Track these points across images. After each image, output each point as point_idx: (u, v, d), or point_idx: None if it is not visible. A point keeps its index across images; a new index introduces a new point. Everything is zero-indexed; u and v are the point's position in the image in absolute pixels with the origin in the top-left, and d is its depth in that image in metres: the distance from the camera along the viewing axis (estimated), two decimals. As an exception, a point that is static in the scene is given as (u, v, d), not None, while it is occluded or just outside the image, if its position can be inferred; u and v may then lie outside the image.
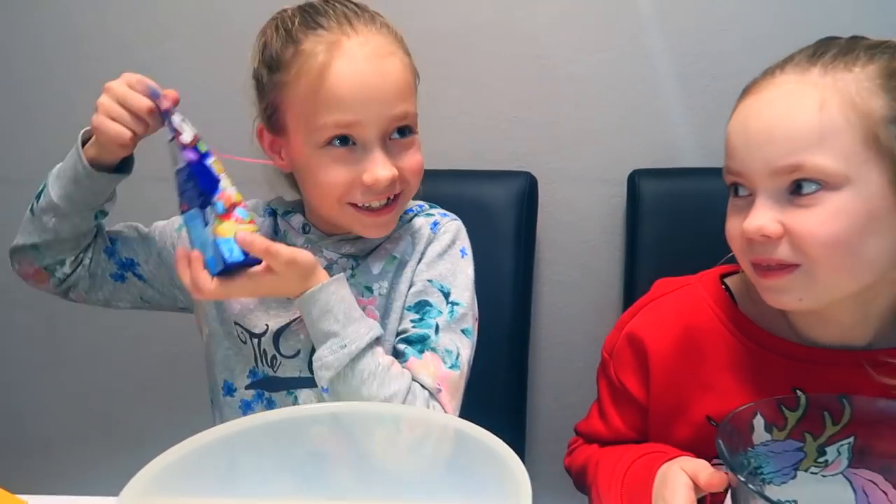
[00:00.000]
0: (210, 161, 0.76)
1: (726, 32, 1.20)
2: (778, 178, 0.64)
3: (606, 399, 0.81)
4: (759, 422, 0.63)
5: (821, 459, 0.64)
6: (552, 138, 1.28)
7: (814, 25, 0.78)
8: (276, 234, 0.92)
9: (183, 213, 0.78)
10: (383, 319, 0.86)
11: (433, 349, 0.83)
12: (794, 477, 0.63)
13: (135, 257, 0.91)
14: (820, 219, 0.62)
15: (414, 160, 0.83)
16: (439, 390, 0.81)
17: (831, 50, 0.65)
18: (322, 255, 0.88)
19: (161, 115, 0.77)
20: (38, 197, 0.85)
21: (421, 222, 0.91)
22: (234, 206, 0.76)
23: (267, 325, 0.87)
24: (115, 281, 0.91)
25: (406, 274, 0.87)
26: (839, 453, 0.64)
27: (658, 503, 0.60)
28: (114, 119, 0.77)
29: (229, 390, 0.88)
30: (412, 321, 0.85)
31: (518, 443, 1.23)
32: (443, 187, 1.04)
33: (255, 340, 0.87)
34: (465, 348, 0.85)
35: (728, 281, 0.78)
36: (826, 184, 0.62)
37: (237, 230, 0.74)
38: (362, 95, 0.77)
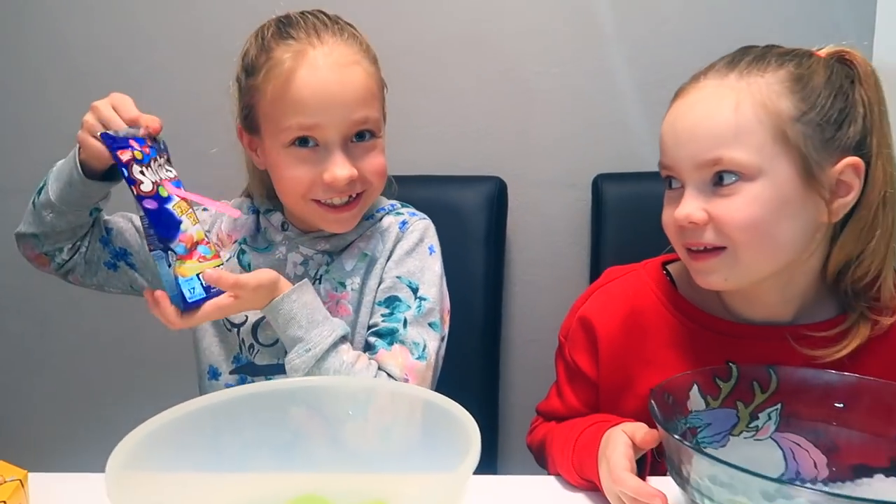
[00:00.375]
0: (172, 204, 0.79)
1: (681, 47, 1.28)
2: (702, 170, 0.71)
3: (563, 379, 0.88)
4: (695, 392, 0.70)
5: (752, 425, 0.71)
6: (520, 145, 1.35)
7: (759, 38, 0.86)
8: (257, 231, 0.97)
9: (151, 251, 0.80)
10: (355, 313, 0.92)
11: (401, 342, 0.88)
12: (726, 444, 0.70)
13: (127, 248, 0.95)
14: (738, 205, 0.70)
15: (374, 162, 0.88)
16: (406, 379, 0.87)
17: (747, 57, 0.73)
18: (298, 250, 0.93)
19: (120, 167, 0.78)
20: (39, 192, 0.90)
21: (390, 221, 0.96)
22: (195, 245, 0.79)
23: (246, 315, 0.93)
24: (108, 269, 0.95)
25: (376, 270, 0.93)
26: (769, 418, 0.71)
27: (602, 462, 0.67)
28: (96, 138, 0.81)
29: (214, 374, 0.94)
30: (382, 315, 0.91)
31: (490, 434, 1.29)
32: (417, 192, 1.10)
33: (236, 329, 0.93)
34: (432, 340, 0.90)
35: (669, 267, 0.85)
36: (743, 175, 0.70)
37: (199, 269, 0.79)
38: (323, 100, 0.83)
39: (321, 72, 0.83)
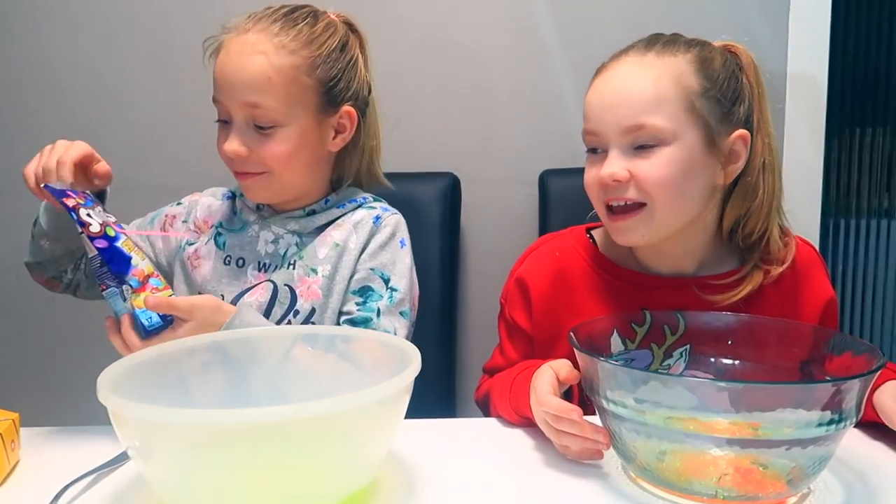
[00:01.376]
0: (120, 242, 0.82)
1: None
2: (626, 135, 0.82)
3: (504, 336, 0.97)
4: (615, 337, 0.81)
5: (665, 363, 0.81)
6: (473, 145, 1.47)
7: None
8: (234, 214, 1.05)
9: (102, 291, 0.83)
10: (325, 298, 0.98)
11: (374, 329, 0.96)
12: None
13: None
14: (656, 165, 0.81)
15: (268, 149, 0.93)
16: None
17: (661, 40, 0.86)
18: (270, 229, 1.01)
19: (68, 211, 0.81)
20: (35, 223, 0.97)
21: (363, 214, 1.02)
22: (147, 277, 0.83)
23: (222, 295, 0.99)
24: None
25: (346, 260, 0.99)
26: (680, 356, 0.81)
27: (532, 394, 0.76)
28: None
29: None
30: (356, 304, 0.98)
31: (448, 411, 1.37)
32: (378, 186, 1.20)
33: None
34: (401, 328, 0.98)
35: (593, 232, 0.96)
36: (660, 140, 0.81)
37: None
38: (223, 82, 0.94)
39: (230, 57, 0.93)
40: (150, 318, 0.81)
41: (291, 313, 0.97)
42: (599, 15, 1.43)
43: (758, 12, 1.45)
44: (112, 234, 0.82)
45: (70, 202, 0.81)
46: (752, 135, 0.85)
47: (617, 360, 0.79)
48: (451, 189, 1.38)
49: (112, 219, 0.85)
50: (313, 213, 1.01)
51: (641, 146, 0.82)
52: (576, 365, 0.75)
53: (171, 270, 1.06)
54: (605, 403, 0.65)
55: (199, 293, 1.01)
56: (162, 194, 1.53)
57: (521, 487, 0.68)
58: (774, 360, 0.77)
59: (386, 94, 1.45)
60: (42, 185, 0.84)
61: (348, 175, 1.06)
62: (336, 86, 0.97)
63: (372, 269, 0.99)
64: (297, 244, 1.00)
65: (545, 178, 1.40)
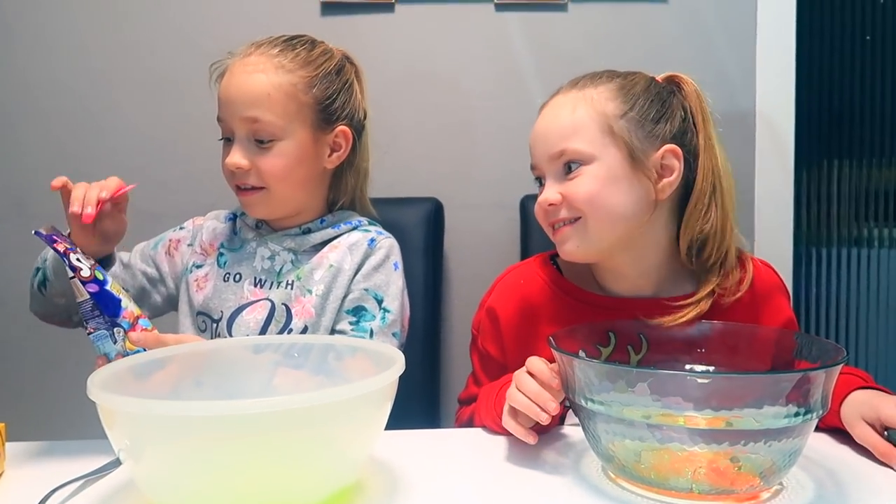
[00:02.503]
0: (109, 286, 0.83)
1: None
2: (553, 161, 0.89)
3: (478, 367, 1.01)
4: (582, 356, 0.83)
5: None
6: (455, 171, 1.51)
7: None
8: (234, 234, 1.08)
9: (90, 334, 0.83)
10: (318, 316, 1.00)
11: None
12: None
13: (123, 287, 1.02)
14: (581, 184, 0.88)
15: (268, 162, 0.98)
16: None
17: (587, 77, 0.93)
18: (267, 245, 1.04)
19: (60, 256, 0.83)
20: (42, 282, 1.00)
21: (359, 237, 1.05)
22: (136, 319, 0.84)
23: (222, 311, 1.02)
24: None
25: (340, 280, 1.02)
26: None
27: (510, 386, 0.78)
28: None
29: None
30: (350, 323, 1.01)
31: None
32: (363, 212, 1.23)
33: (214, 325, 1.02)
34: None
35: (557, 259, 1.00)
36: (582, 161, 0.88)
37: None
38: (226, 100, 0.99)
39: (232, 76, 0.99)
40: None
41: (286, 331, 1.00)
42: (575, 50, 1.50)
43: (727, 49, 1.53)
44: (101, 277, 0.83)
45: (60, 247, 0.83)
46: (694, 158, 0.90)
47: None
48: (434, 214, 1.41)
49: (92, 262, 0.85)
50: (308, 231, 1.05)
51: (568, 170, 0.88)
52: None
53: (177, 293, 1.08)
54: (583, 402, 0.67)
55: (199, 314, 1.04)
56: (146, 220, 1.54)
57: (503, 491, 0.70)
58: (746, 365, 0.80)
59: (372, 122, 1.50)
60: (33, 232, 0.84)
61: (344, 195, 1.10)
62: (331, 105, 1.02)
63: (366, 290, 1.02)
64: (292, 261, 1.03)
65: (526, 203, 1.44)
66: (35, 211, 1.55)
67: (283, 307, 1.00)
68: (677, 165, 0.89)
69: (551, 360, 0.78)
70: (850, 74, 1.79)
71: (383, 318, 1.01)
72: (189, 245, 1.09)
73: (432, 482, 0.71)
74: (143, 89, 1.54)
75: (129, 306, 0.84)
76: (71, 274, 0.82)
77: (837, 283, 1.85)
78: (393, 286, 1.03)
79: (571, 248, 0.90)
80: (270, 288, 1.02)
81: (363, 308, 1.01)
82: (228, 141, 1.00)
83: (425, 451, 0.80)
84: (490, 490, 0.70)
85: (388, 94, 1.49)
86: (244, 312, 1.01)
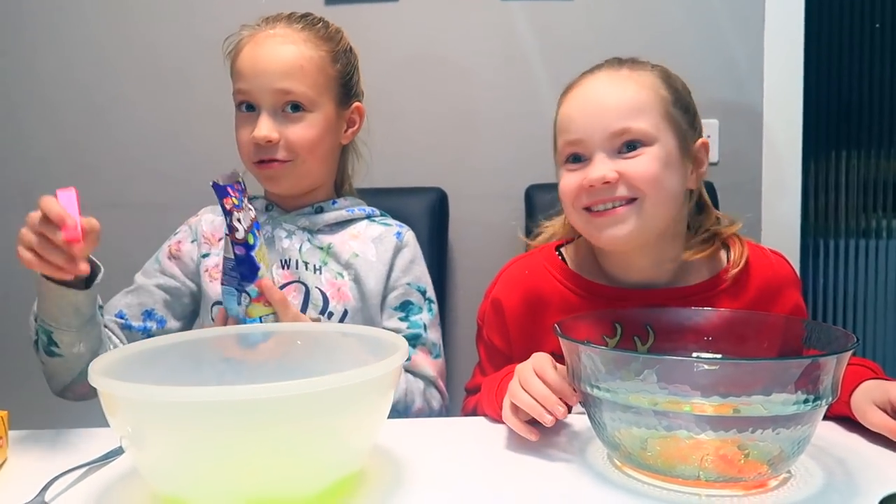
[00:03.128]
0: (255, 251, 0.86)
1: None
2: (612, 139, 0.86)
3: (484, 359, 1.00)
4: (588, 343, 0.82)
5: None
6: (460, 160, 1.50)
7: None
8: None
9: (221, 285, 0.88)
10: (359, 304, 1.01)
11: (423, 344, 1.02)
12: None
13: (146, 322, 1.03)
14: (644, 163, 0.85)
15: (299, 132, 0.97)
16: (436, 378, 1.01)
17: (628, 60, 0.91)
18: (282, 227, 1.04)
19: (223, 212, 0.85)
20: (35, 343, 0.90)
21: (381, 230, 1.06)
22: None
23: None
24: (146, 335, 1.01)
25: (374, 273, 1.02)
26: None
27: (513, 378, 0.78)
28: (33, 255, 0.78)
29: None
30: (400, 319, 1.03)
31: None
32: (369, 201, 1.22)
33: None
34: (439, 339, 1.05)
35: (562, 249, 0.99)
36: (643, 142, 0.86)
37: (264, 312, 0.86)
38: (253, 69, 0.97)
39: (259, 47, 0.98)
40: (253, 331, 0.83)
41: (326, 315, 1.01)
42: (581, 37, 1.48)
43: (735, 39, 1.51)
44: (251, 242, 0.86)
45: (227, 204, 0.85)
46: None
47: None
48: (438, 204, 1.40)
49: (252, 214, 0.87)
50: (321, 210, 1.05)
51: (626, 149, 0.86)
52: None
53: (198, 290, 1.06)
54: (589, 389, 0.67)
55: (218, 303, 0.99)
56: (151, 211, 1.55)
57: (508, 479, 0.69)
58: (754, 353, 0.79)
59: (375, 110, 1.49)
60: (210, 183, 0.86)
61: (346, 176, 1.11)
62: (351, 80, 1.04)
63: (408, 284, 1.04)
64: (308, 240, 1.04)
65: (531, 193, 1.43)
66: (39, 202, 1.55)
67: (318, 290, 1.01)
68: (706, 160, 0.91)
69: (557, 350, 0.77)
70: (858, 64, 1.77)
71: (430, 308, 1.05)
72: (192, 241, 1.07)
73: (437, 470, 0.71)
74: (149, 81, 1.54)
75: (264, 276, 0.86)
76: (227, 232, 0.85)
77: (845, 275, 1.83)
78: (426, 275, 1.07)
79: (624, 230, 0.86)
80: (297, 268, 1.02)
81: (409, 303, 1.03)
82: (248, 113, 0.98)
83: (430, 439, 0.80)
84: (495, 478, 0.69)
85: (392, 84, 1.49)
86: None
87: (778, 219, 1.57)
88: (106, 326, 0.98)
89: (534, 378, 0.75)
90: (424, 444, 0.78)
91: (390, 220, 1.10)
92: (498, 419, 0.84)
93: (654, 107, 0.86)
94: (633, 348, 0.83)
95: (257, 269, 0.86)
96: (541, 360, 0.77)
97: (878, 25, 1.76)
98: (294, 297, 1.00)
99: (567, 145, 0.90)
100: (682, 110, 0.89)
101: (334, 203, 1.07)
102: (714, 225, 0.95)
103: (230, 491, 0.59)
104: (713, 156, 1.49)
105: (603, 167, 0.86)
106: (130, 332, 1.02)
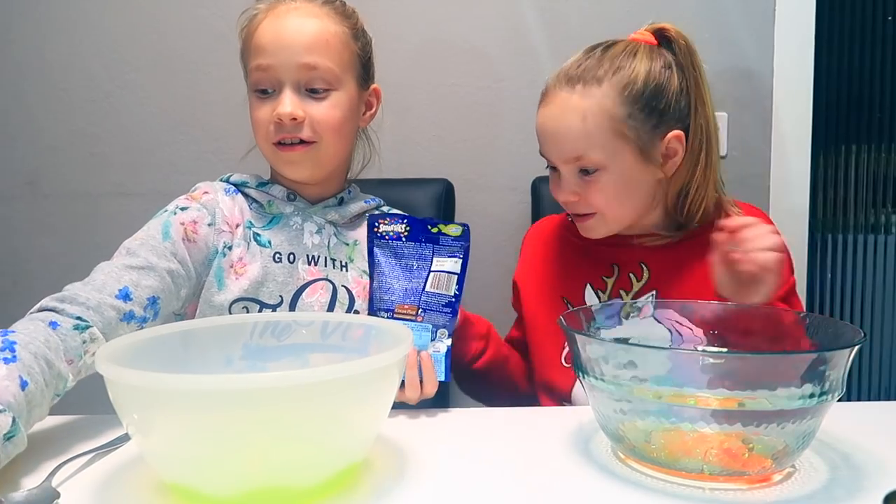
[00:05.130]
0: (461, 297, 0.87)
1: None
2: (569, 164, 0.92)
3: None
4: (589, 290, 0.94)
5: (635, 305, 0.83)
6: (466, 153, 1.50)
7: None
8: (260, 207, 0.98)
9: (414, 321, 0.86)
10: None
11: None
12: (620, 323, 0.82)
13: (146, 311, 0.85)
14: (598, 189, 0.92)
15: (324, 112, 0.92)
16: None
17: (582, 69, 0.91)
18: (312, 220, 0.99)
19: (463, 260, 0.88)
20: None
21: None
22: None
23: (281, 296, 0.94)
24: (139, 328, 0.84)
25: None
26: (648, 301, 0.87)
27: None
28: None
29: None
30: None
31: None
32: (375, 192, 1.22)
33: (269, 311, 0.94)
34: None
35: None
36: (598, 168, 0.91)
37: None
38: (277, 44, 0.91)
39: (280, 20, 0.92)
40: (442, 371, 0.84)
41: (352, 314, 0.97)
42: (590, 28, 1.48)
43: (745, 31, 1.50)
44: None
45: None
46: (686, 125, 0.93)
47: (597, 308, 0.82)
48: (445, 195, 1.40)
49: None
50: (343, 201, 1.03)
51: (584, 172, 0.92)
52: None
53: (199, 281, 0.93)
54: (593, 381, 0.67)
55: (240, 300, 0.92)
56: (158, 199, 1.55)
57: (512, 470, 0.69)
58: (760, 346, 0.79)
59: (383, 101, 1.49)
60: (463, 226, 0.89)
61: (353, 164, 1.08)
62: (369, 59, 1.01)
63: None
64: (335, 234, 1.00)
65: (537, 186, 1.43)
66: (48, 190, 1.56)
67: (344, 289, 0.98)
68: (681, 147, 0.92)
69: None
70: (869, 58, 1.76)
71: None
72: (209, 225, 0.94)
73: (440, 461, 0.71)
74: (158, 69, 1.54)
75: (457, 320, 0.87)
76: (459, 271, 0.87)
77: (853, 270, 1.82)
78: None
79: (591, 234, 0.96)
80: (325, 265, 0.98)
81: None
82: (266, 93, 0.93)
83: (434, 430, 0.80)
84: (498, 469, 0.69)
85: (400, 74, 1.48)
86: (304, 294, 0.95)
87: (786, 213, 1.57)
88: (80, 318, 0.77)
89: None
90: (429, 434, 0.78)
91: (396, 211, 1.08)
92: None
93: (602, 133, 0.89)
94: (629, 284, 0.93)
95: (458, 309, 0.87)
96: None
97: (890, 18, 1.74)
98: (321, 296, 0.96)
99: (541, 154, 0.97)
100: (641, 120, 0.90)
101: (350, 193, 1.04)
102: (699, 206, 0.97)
103: (235, 479, 0.59)
104: (722, 149, 1.48)
105: (565, 191, 0.95)
106: (120, 326, 0.80)
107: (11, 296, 1.54)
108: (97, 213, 1.53)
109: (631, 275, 0.90)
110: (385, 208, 1.08)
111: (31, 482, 0.65)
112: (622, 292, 0.91)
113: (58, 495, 0.62)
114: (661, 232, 0.99)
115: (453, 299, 0.86)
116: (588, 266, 0.92)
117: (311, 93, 0.93)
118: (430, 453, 0.72)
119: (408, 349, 0.64)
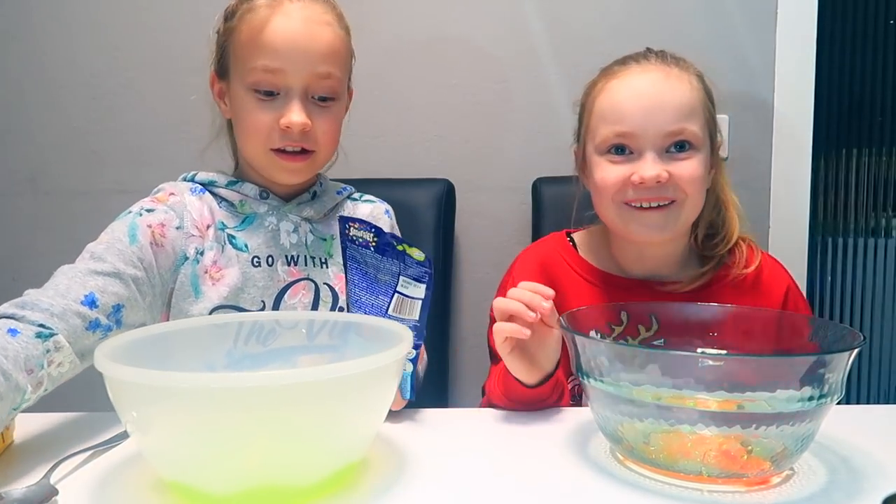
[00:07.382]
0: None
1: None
2: (667, 138, 0.87)
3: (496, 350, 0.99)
4: (593, 335, 0.82)
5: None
6: (467, 153, 1.49)
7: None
8: (231, 207, 0.94)
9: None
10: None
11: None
12: None
13: (109, 320, 0.80)
14: (692, 166, 0.88)
15: (326, 123, 0.90)
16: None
17: (670, 57, 0.91)
18: (288, 219, 0.96)
19: (425, 283, 0.84)
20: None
21: (370, 208, 1.03)
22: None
23: (263, 301, 0.92)
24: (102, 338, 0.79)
25: None
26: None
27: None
28: None
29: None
30: None
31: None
32: (375, 192, 1.22)
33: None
34: None
35: (574, 235, 1.00)
36: (693, 144, 0.88)
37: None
38: (291, 48, 0.86)
39: (294, 22, 0.87)
40: (408, 390, 0.82)
41: (337, 311, 0.96)
42: (592, 28, 1.48)
43: (746, 34, 1.50)
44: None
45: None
46: (712, 147, 0.93)
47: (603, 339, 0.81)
48: (445, 195, 1.40)
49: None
50: (315, 195, 1.00)
51: (675, 149, 0.88)
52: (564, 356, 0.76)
53: (165, 289, 0.89)
54: (592, 382, 0.67)
55: (220, 308, 0.90)
56: (157, 198, 1.55)
57: (510, 471, 0.69)
58: (759, 349, 0.79)
59: (382, 100, 1.49)
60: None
61: None
62: (352, 63, 0.98)
63: None
64: (311, 230, 0.98)
65: (538, 186, 1.43)
66: (48, 187, 1.56)
67: (327, 287, 0.96)
68: (717, 162, 0.93)
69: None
70: (871, 61, 1.76)
71: None
72: (178, 228, 0.90)
73: (439, 461, 0.71)
74: (157, 67, 1.54)
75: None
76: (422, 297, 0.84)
77: (853, 273, 1.82)
78: None
79: (664, 233, 0.90)
80: (305, 265, 0.96)
81: None
82: (271, 95, 0.88)
83: (433, 430, 0.80)
84: (497, 470, 0.69)
85: (400, 74, 1.48)
86: (286, 297, 0.93)
87: (786, 216, 1.56)
88: (43, 325, 0.73)
89: (507, 296, 0.77)
90: (427, 434, 0.78)
91: (368, 196, 1.05)
92: (501, 404, 0.85)
93: (702, 108, 0.88)
94: (636, 334, 0.83)
95: (424, 330, 0.85)
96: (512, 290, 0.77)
97: (891, 22, 1.74)
98: (304, 297, 0.94)
99: (615, 136, 0.89)
100: (713, 112, 0.91)
101: (322, 185, 1.01)
102: (723, 222, 0.96)
103: (233, 477, 0.59)
104: (723, 151, 1.48)
105: (654, 167, 0.86)
106: (86, 335, 0.76)
107: (11, 292, 1.54)
108: (97, 211, 1.52)
109: (640, 326, 0.84)
110: (357, 195, 1.05)
111: (29, 479, 0.65)
112: (629, 339, 0.87)
113: (56, 492, 0.62)
114: (682, 278, 0.95)
115: (418, 323, 0.83)
116: (597, 312, 0.84)
117: (320, 101, 0.90)
118: (429, 453, 0.72)
119: (407, 348, 0.64)
